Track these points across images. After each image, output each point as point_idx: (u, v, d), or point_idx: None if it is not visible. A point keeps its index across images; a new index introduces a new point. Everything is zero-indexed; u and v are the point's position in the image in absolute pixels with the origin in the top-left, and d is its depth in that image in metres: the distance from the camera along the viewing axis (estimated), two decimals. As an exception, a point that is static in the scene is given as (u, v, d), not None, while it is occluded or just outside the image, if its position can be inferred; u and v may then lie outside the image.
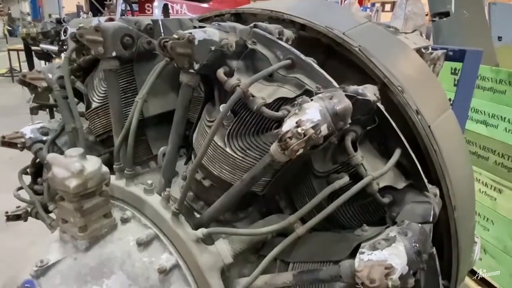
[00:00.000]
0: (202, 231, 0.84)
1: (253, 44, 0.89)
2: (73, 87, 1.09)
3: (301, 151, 0.70)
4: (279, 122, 0.79)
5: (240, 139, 0.85)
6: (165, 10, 7.39)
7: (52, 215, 1.29)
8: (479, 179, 2.77)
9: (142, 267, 0.84)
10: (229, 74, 0.85)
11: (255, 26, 0.99)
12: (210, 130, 0.81)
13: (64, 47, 7.22)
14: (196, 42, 0.80)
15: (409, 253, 0.72)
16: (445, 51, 1.93)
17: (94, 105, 1.08)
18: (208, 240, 0.86)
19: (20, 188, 1.34)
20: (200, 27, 1.17)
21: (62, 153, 1.26)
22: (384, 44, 1.19)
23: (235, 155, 0.84)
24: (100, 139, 1.13)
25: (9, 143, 1.27)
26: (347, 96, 0.82)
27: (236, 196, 0.84)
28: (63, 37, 7.07)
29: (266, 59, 0.88)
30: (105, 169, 0.82)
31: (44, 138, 1.30)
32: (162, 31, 1.14)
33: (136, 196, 0.91)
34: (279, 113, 0.79)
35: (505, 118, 2.53)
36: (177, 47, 0.79)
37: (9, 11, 21.41)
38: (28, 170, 1.37)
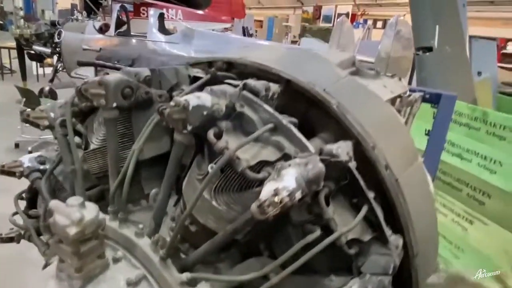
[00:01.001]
0: (186, 275, 0.94)
1: (241, 107, 1.00)
2: (74, 129, 1.18)
3: (277, 212, 0.81)
4: (261, 182, 0.89)
5: (225, 194, 0.95)
6: (161, 18, 7.46)
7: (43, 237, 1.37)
8: (453, 209, 2.92)
9: (130, 306, 0.93)
10: (218, 135, 0.95)
11: (244, 85, 1.10)
12: (200, 187, 0.91)
13: (57, 49, 7.26)
14: (190, 108, 0.90)
15: None
16: (422, 93, 2.07)
17: (92, 146, 1.17)
18: (192, 282, 0.96)
19: (15, 213, 1.41)
20: (195, 77, 1.27)
21: (57, 181, 1.35)
22: (360, 99, 1.31)
23: (220, 208, 0.94)
24: (96, 177, 1.21)
25: (8, 172, 1.35)
26: (321, 159, 0.93)
27: (219, 245, 0.94)
28: (56, 40, 7.11)
29: (252, 121, 0.99)
30: (101, 216, 0.91)
31: (41, 167, 1.38)
32: (160, 79, 1.25)
33: (127, 239, 1.00)
34: (260, 175, 0.90)
35: (478, 153, 2.69)
36: (173, 114, 0.89)
37: (2, 5, 21.18)
38: (24, 195, 1.44)
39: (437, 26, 3.21)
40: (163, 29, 7.64)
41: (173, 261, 1.00)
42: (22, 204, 1.46)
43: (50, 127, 1.22)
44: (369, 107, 1.33)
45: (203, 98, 0.93)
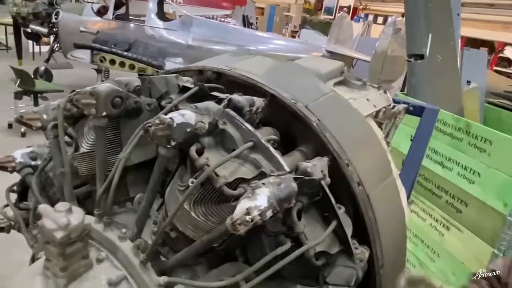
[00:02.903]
0: (163, 279, 1.01)
1: (224, 125, 1.06)
2: (65, 132, 1.24)
3: (248, 228, 0.88)
4: (237, 197, 0.96)
5: (204, 206, 1.02)
6: (160, 3, 7.42)
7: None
8: (431, 214, 3.03)
9: (111, 304, 1.00)
10: (200, 150, 1.02)
11: (229, 100, 1.16)
12: (180, 197, 0.99)
13: (54, 29, 7.21)
14: (175, 125, 0.96)
15: None
16: (406, 105, 2.14)
17: (81, 150, 1.23)
18: (168, 285, 1.03)
19: (6, 205, 1.47)
20: (184, 87, 1.33)
21: (48, 177, 1.41)
22: (340, 117, 1.38)
23: (198, 219, 1.02)
24: (85, 178, 1.28)
25: (1, 167, 1.40)
26: (295, 178, 1.00)
27: (196, 252, 1.02)
28: (54, 20, 7.06)
29: (233, 138, 1.05)
30: (87, 221, 0.98)
31: (33, 163, 1.44)
32: (150, 88, 1.30)
33: (111, 242, 1.07)
34: (236, 192, 0.97)
35: (459, 163, 2.78)
36: (158, 131, 0.95)
37: (-1, -23, 20.77)
38: (15, 188, 1.50)
39: (429, 35, 3.26)
40: (162, 15, 7.61)
41: (153, 263, 1.07)
42: (14, 197, 1.52)
43: (43, 128, 1.28)
44: (348, 125, 1.40)
45: (187, 116, 0.99)
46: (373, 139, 1.46)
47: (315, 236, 1.09)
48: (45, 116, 1.27)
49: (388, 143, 2.05)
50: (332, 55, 7.52)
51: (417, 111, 2.13)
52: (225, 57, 1.75)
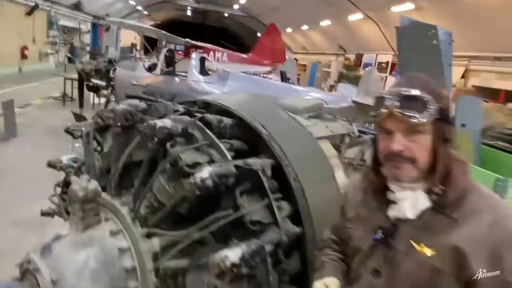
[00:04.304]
0: (144, 230, 1.51)
1: (192, 130, 1.59)
2: (95, 138, 1.83)
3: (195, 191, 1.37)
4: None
5: (173, 181, 1.53)
6: (202, 62, 8.41)
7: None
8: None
9: (110, 245, 1.51)
10: (174, 145, 1.55)
11: (202, 117, 1.70)
12: (159, 176, 1.51)
13: (111, 83, 8.39)
14: (157, 127, 1.51)
15: None
16: (372, 136, 2.56)
17: (105, 150, 1.81)
18: (148, 235, 1.52)
19: (53, 195, 2.07)
20: (176, 110, 1.90)
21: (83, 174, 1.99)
22: (289, 133, 1.87)
23: (170, 190, 1.52)
24: (106, 170, 1.84)
25: (53, 166, 2.02)
26: (236, 165, 1.49)
27: (166, 214, 1.51)
28: (111, 75, 8.25)
29: (197, 139, 1.58)
30: (99, 188, 1.52)
31: (74, 164, 2.04)
32: (153, 111, 1.88)
33: (115, 207, 1.60)
34: (193, 170, 1.47)
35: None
36: (145, 130, 1.50)
37: (72, 41, 23.91)
38: (60, 184, 2.10)
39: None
40: (203, 70, 8.59)
41: (143, 225, 1.58)
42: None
43: (81, 137, 1.88)
44: (294, 139, 1.88)
45: (165, 122, 1.54)
46: (317, 152, 1.91)
47: (253, 210, 1.55)
48: (83, 129, 1.88)
49: (364, 161, 2.46)
50: (358, 104, 7.98)
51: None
52: (220, 94, 2.34)
